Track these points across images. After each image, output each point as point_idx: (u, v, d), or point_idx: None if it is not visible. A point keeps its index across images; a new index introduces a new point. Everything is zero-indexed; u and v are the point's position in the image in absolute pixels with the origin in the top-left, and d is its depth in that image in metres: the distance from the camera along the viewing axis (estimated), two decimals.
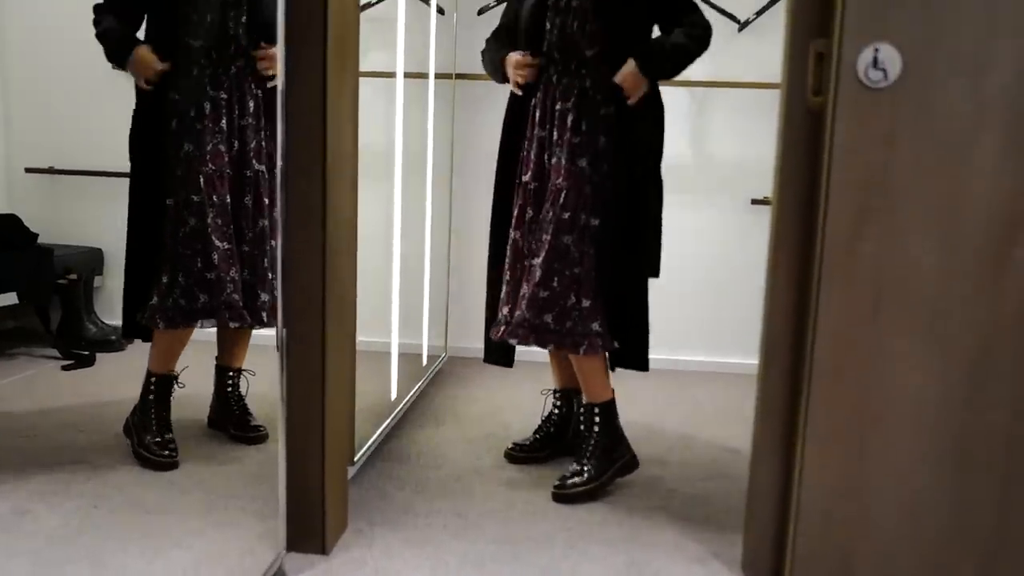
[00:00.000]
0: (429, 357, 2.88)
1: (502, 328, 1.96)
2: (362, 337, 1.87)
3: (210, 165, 1.91)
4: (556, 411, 2.16)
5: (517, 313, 1.92)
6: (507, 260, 2.02)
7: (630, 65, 1.86)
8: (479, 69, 3.07)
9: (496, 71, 2.10)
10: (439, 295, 3.06)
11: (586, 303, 1.88)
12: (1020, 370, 1.31)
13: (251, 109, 1.96)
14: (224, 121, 1.94)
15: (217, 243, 1.91)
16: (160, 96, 1.91)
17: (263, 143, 1.99)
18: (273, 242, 1.95)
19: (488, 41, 2.19)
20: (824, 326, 1.33)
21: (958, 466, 1.33)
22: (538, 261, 1.90)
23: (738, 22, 2.90)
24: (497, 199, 2.12)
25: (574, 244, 1.89)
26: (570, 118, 1.91)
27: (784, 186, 1.37)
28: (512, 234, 2.02)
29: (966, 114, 1.27)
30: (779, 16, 2.89)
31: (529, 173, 1.99)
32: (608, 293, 1.91)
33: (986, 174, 1.28)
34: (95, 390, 2.30)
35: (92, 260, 2.66)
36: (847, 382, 1.33)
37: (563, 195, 1.90)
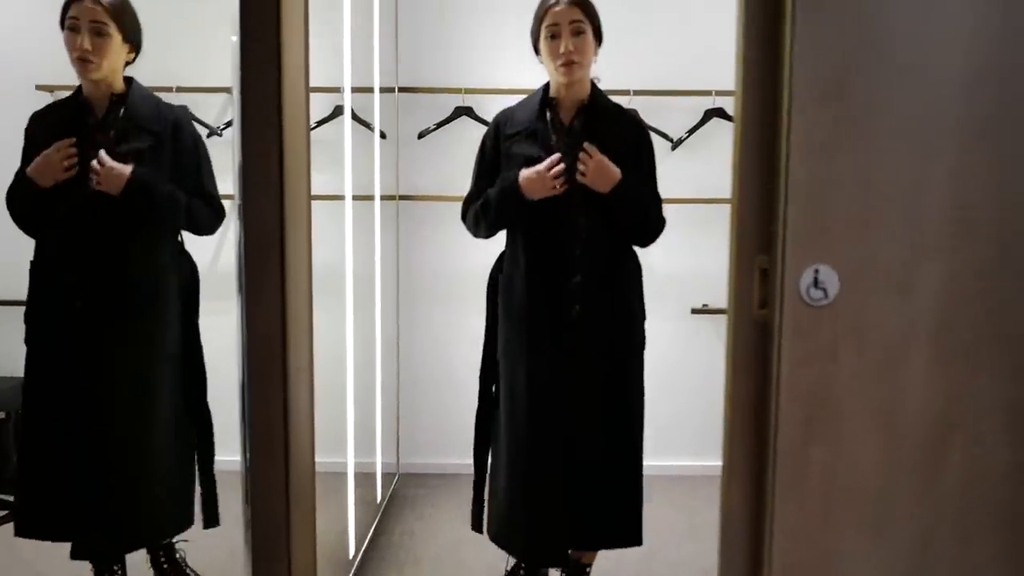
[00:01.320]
0: (384, 476, 2.86)
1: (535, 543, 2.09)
2: (317, 458, 1.86)
3: None
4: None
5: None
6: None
7: (614, 169, 1.97)
8: (422, 190, 3.11)
9: (503, 203, 2.08)
10: (389, 411, 3.06)
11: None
12: (959, 559, 1.40)
13: None
14: None
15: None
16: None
17: None
18: None
19: (468, 207, 2.21)
20: (780, 528, 1.39)
21: None
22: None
23: (671, 140, 3.02)
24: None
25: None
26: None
27: (735, 395, 1.43)
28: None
29: (899, 327, 1.35)
30: (708, 136, 3.04)
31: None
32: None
33: (920, 382, 1.36)
34: (28, 550, 2.19)
35: (17, 392, 2.54)
36: None
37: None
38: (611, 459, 2.09)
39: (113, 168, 1.94)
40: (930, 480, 1.38)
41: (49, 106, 2.08)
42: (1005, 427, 1.37)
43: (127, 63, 2.05)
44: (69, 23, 1.95)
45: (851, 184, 1.32)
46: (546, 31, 2.03)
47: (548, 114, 2.10)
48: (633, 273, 2.13)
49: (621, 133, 2.08)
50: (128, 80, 2.06)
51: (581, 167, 1.98)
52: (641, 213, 2.05)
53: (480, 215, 2.14)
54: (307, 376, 1.64)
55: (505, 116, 2.17)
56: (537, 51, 2.11)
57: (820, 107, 1.31)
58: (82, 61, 1.95)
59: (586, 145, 1.98)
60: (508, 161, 2.09)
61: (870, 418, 1.37)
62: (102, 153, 1.95)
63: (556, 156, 2.00)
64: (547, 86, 2.14)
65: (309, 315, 1.65)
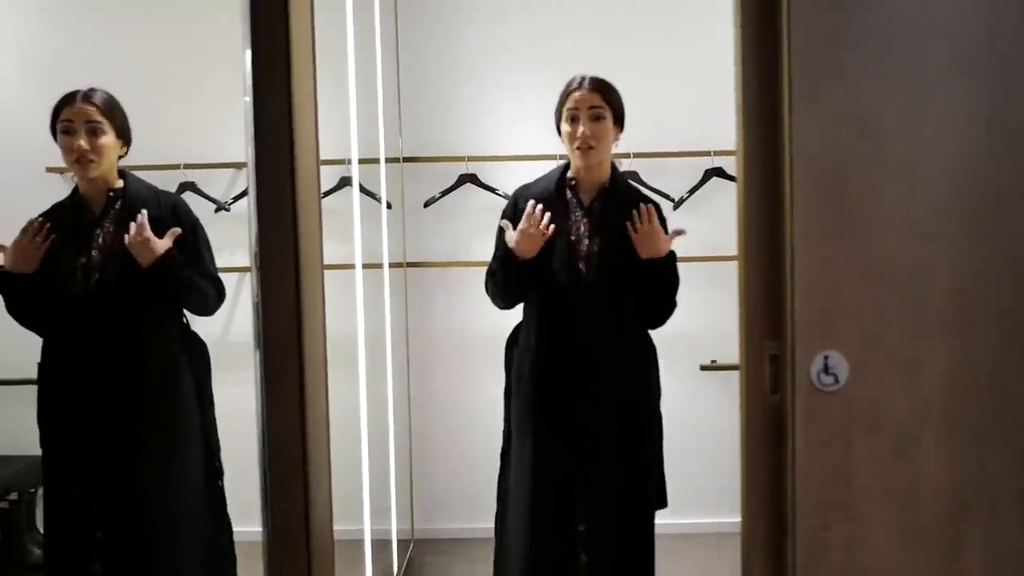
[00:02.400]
0: (399, 543, 2.86)
1: None
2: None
3: None
4: None
5: None
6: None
7: (665, 240, 2.05)
8: (429, 257, 3.16)
9: (504, 269, 2.12)
10: (403, 477, 3.06)
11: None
12: None
13: None
14: None
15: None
16: None
17: None
18: None
19: (490, 281, 2.23)
20: None
21: None
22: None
23: (673, 200, 3.07)
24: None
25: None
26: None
27: (751, 479, 1.45)
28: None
29: (909, 408, 1.37)
30: (708, 194, 3.09)
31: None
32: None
33: (933, 461, 1.38)
34: None
35: (31, 472, 2.54)
36: None
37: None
38: (622, 532, 2.10)
39: (149, 239, 1.97)
40: (949, 559, 1.39)
41: (47, 211, 2.09)
42: (1020, 504, 1.39)
43: (120, 157, 2.08)
44: (63, 126, 1.98)
45: (855, 271, 1.35)
46: (566, 114, 2.08)
47: (568, 192, 2.14)
48: (648, 352, 2.17)
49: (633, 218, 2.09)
50: (123, 174, 2.09)
51: (636, 226, 2.03)
52: (668, 291, 2.11)
53: (492, 285, 2.18)
54: (325, 458, 1.66)
55: (522, 192, 2.20)
56: (559, 131, 2.15)
57: (821, 197, 1.34)
58: (81, 162, 1.98)
59: (643, 207, 2.04)
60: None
61: (886, 498, 1.38)
62: (140, 217, 1.98)
63: (539, 208, 2.03)
64: (567, 165, 2.17)
65: (326, 394, 1.67)
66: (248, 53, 1.46)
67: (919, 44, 1.33)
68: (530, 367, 2.11)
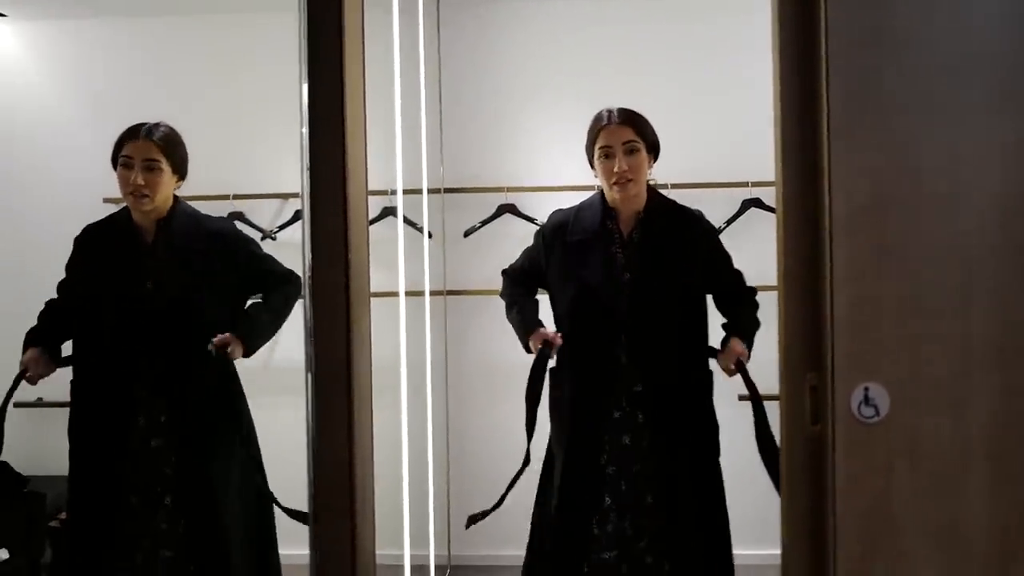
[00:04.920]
0: (436, 568, 2.87)
1: None
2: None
3: None
4: None
5: None
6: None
7: (736, 343, 2.11)
8: (468, 285, 3.21)
9: (518, 333, 2.22)
10: (440, 503, 3.08)
11: None
12: None
13: None
14: None
15: None
16: None
17: None
18: None
19: (507, 284, 2.32)
20: None
21: None
22: None
23: None
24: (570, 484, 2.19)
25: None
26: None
27: (791, 512, 1.45)
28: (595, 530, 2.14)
29: (953, 443, 1.37)
30: (746, 224, 3.10)
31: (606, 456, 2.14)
32: None
33: (980, 499, 1.37)
34: None
35: None
36: None
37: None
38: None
39: (231, 352, 2.07)
40: None
41: (100, 223, 2.18)
42: None
43: (175, 189, 2.16)
44: (123, 160, 2.06)
45: (896, 304, 1.36)
46: (600, 151, 2.10)
47: (608, 223, 2.15)
48: (702, 382, 2.21)
49: (683, 240, 2.14)
50: (174, 200, 2.16)
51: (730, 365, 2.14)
52: (755, 330, 2.19)
53: (508, 318, 2.28)
54: (370, 483, 1.69)
55: (564, 219, 2.20)
56: (592, 165, 2.17)
57: (860, 232, 1.36)
58: (136, 197, 2.06)
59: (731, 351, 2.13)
60: (568, 271, 2.16)
61: (930, 535, 1.37)
62: (221, 339, 2.06)
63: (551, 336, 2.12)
64: (603, 194, 2.19)
65: (371, 421, 1.71)
66: (305, 87, 1.53)
67: (958, 80, 1.35)
68: (566, 403, 2.14)
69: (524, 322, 2.20)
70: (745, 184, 3.08)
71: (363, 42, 1.62)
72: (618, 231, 2.15)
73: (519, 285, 2.28)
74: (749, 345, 2.15)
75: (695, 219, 2.20)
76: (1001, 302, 1.35)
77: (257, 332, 2.15)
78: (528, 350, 2.20)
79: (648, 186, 2.17)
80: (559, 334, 2.12)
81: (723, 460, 3.17)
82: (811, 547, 1.45)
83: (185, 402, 2.09)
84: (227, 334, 2.07)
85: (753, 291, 2.23)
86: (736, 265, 3.01)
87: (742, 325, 2.16)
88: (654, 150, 2.15)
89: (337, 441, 1.56)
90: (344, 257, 1.56)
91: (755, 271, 3.08)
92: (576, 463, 2.12)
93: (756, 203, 3.06)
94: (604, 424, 2.11)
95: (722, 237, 3.10)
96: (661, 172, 3.05)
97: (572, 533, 2.12)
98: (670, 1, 3.22)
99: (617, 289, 2.10)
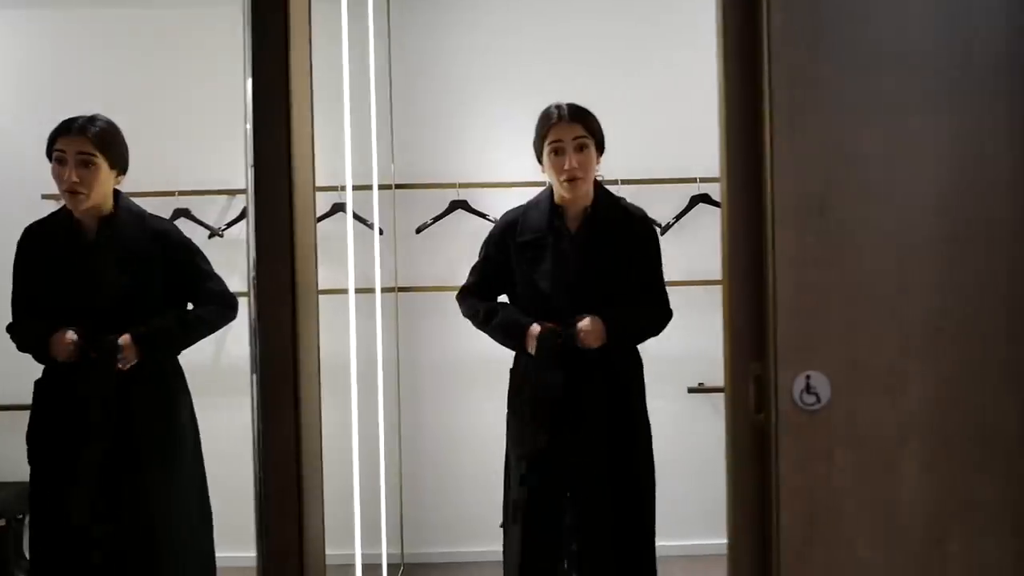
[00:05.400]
0: (389, 567, 2.86)
1: None
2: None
3: None
4: None
5: None
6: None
7: (598, 323, 2.04)
8: (419, 282, 3.20)
9: (510, 338, 2.17)
10: (393, 501, 3.06)
11: None
12: None
13: None
14: None
15: None
16: None
17: None
18: None
19: (471, 300, 2.28)
20: None
21: None
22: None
23: (659, 226, 3.12)
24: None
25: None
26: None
27: (736, 497, 1.48)
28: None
29: (891, 427, 1.41)
30: (694, 220, 3.15)
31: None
32: None
33: (915, 479, 1.42)
34: None
35: (19, 498, 2.53)
36: None
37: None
38: (622, 548, 2.12)
39: (119, 355, 1.99)
40: (935, 574, 1.42)
41: (41, 222, 2.12)
42: (1000, 520, 1.42)
43: (115, 185, 2.09)
44: (56, 155, 2.00)
45: (837, 294, 1.40)
46: (550, 146, 2.11)
47: (556, 222, 2.16)
48: (636, 366, 2.23)
49: (625, 235, 2.16)
50: (116, 196, 2.10)
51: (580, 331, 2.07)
52: (638, 336, 2.18)
53: (485, 329, 2.24)
54: (319, 482, 1.67)
55: (514, 220, 2.22)
56: (540, 161, 2.18)
57: (802, 223, 1.39)
58: (71, 194, 2.00)
59: (578, 325, 2.07)
60: (522, 271, 2.16)
61: (870, 516, 1.42)
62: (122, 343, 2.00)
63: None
64: (551, 190, 2.20)
65: (320, 419, 1.70)
66: (249, 82, 1.51)
67: (894, 78, 1.39)
68: (523, 393, 2.15)
69: (513, 323, 2.17)
70: (693, 180, 3.13)
71: (310, 37, 1.60)
72: (566, 228, 2.17)
73: (484, 298, 2.27)
74: (614, 336, 2.10)
75: (639, 218, 2.24)
76: (935, 290, 1.40)
77: (160, 341, 2.08)
78: (522, 349, 2.17)
79: (595, 182, 2.19)
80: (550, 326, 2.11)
81: (675, 451, 3.22)
82: (756, 533, 1.48)
83: (131, 411, 2.04)
84: (125, 335, 2.01)
85: (667, 313, 2.22)
86: (684, 262, 3.09)
87: (626, 314, 2.13)
88: (601, 146, 2.18)
89: (284, 440, 1.54)
90: (290, 254, 1.54)
91: (702, 267, 3.15)
92: (537, 450, 2.14)
93: (704, 199, 3.12)
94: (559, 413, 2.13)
95: (671, 233, 3.17)
96: (611, 169, 3.10)
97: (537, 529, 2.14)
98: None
99: (566, 285, 2.12)
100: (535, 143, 2.18)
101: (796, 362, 1.41)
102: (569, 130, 2.09)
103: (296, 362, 1.55)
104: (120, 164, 2.09)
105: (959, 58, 1.39)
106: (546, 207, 2.18)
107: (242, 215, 3.01)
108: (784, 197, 1.39)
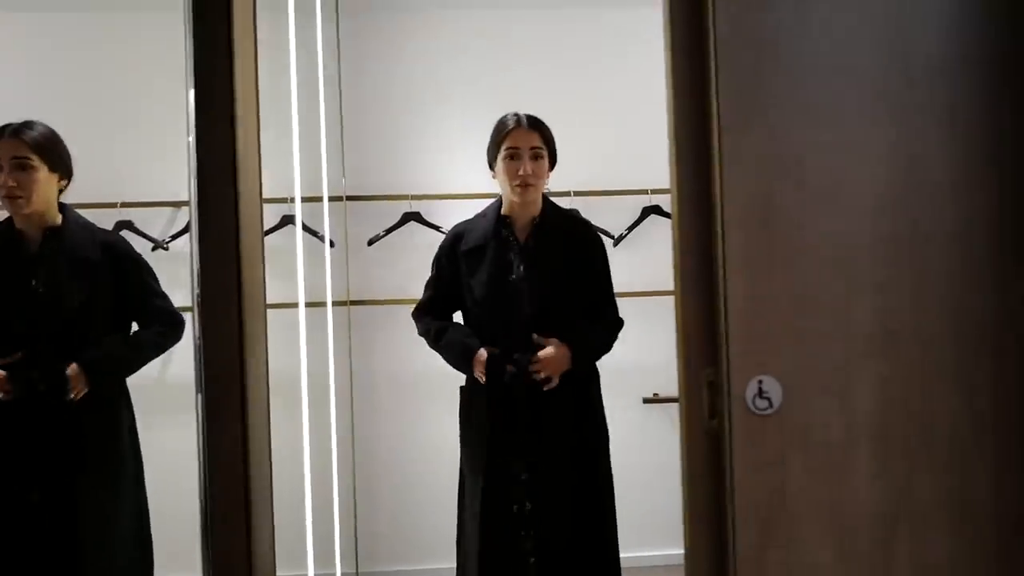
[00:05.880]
0: None
1: None
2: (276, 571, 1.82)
3: None
4: None
5: None
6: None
7: (562, 349, 2.05)
8: (372, 295, 3.16)
9: (462, 362, 2.16)
10: (347, 517, 3.00)
11: None
12: None
13: None
14: None
15: None
16: None
17: None
18: None
19: (426, 319, 2.27)
20: None
21: None
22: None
23: (612, 237, 3.15)
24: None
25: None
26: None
27: (692, 503, 1.48)
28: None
29: (840, 430, 1.43)
30: (646, 231, 3.18)
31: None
32: None
33: (864, 480, 1.44)
34: None
35: None
36: None
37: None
38: (584, 565, 2.12)
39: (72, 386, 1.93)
40: (881, 573, 1.44)
41: None
42: (947, 517, 1.45)
43: (60, 191, 2.04)
44: None
45: (785, 299, 1.42)
46: (505, 152, 2.12)
47: (503, 232, 2.17)
48: (592, 383, 2.22)
49: (573, 245, 2.17)
50: (63, 209, 2.04)
51: (537, 361, 2.08)
52: (598, 355, 2.19)
53: (437, 349, 2.23)
54: (268, 499, 1.63)
55: (461, 231, 2.23)
56: (492, 167, 2.20)
57: (749, 230, 1.41)
58: (10, 199, 1.94)
59: (539, 353, 2.07)
60: (468, 281, 2.16)
61: (821, 518, 1.43)
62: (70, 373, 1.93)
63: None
64: (500, 202, 2.22)
65: (268, 433, 1.65)
66: (191, 93, 1.47)
67: (832, 87, 1.43)
68: (472, 420, 2.14)
69: (459, 345, 2.17)
70: (645, 191, 3.16)
71: (255, 45, 1.57)
72: (514, 237, 2.18)
73: (438, 315, 2.27)
74: (579, 359, 2.12)
75: (585, 227, 2.28)
76: (879, 292, 1.43)
77: (110, 367, 2.03)
78: (466, 371, 2.17)
79: (543, 195, 2.22)
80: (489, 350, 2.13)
81: (631, 462, 3.23)
82: (712, 539, 1.49)
83: (75, 441, 1.96)
84: (74, 365, 1.94)
85: (619, 322, 2.24)
86: (637, 273, 3.12)
87: (584, 336, 2.15)
88: (554, 159, 2.20)
89: (231, 457, 1.50)
90: (236, 267, 1.50)
91: (655, 278, 3.18)
92: (492, 462, 2.13)
93: (655, 210, 3.15)
94: (513, 426, 2.12)
95: (623, 245, 3.19)
96: (564, 180, 3.12)
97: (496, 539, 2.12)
98: (572, 11, 3.28)
99: (515, 295, 2.12)
100: (489, 149, 2.20)
101: (748, 367, 1.42)
102: (526, 138, 2.12)
103: (243, 377, 1.50)
104: (61, 168, 2.02)
105: (902, 68, 1.43)
106: (493, 217, 2.19)
107: (187, 227, 2.94)
108: (732, 204, 1.41)
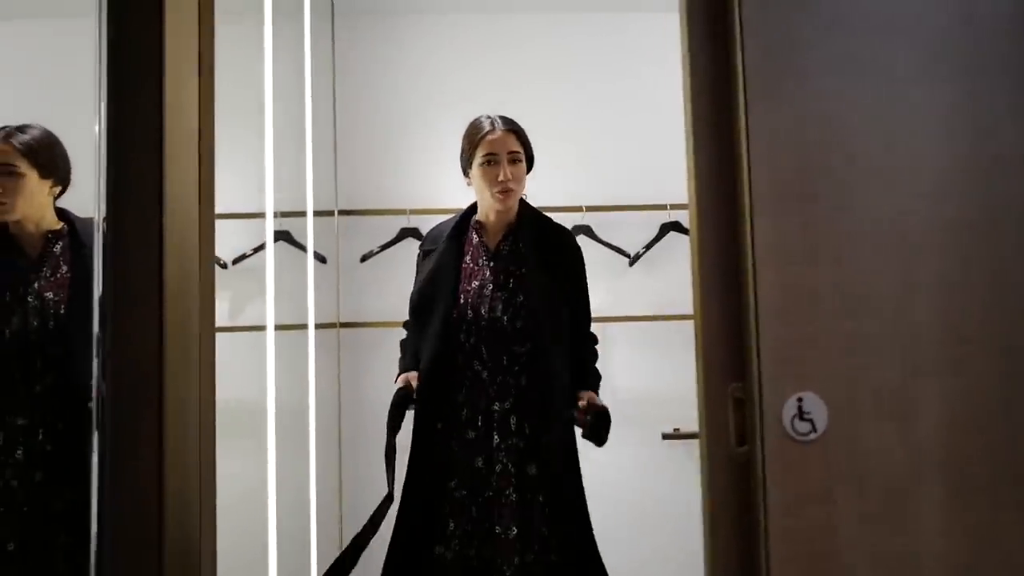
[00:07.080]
0: None
1: None
2: None
3: None
4: None
5: None
6: None
7: (591, 394, 1.99)
8: (365, 317, 2.94)
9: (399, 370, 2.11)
10: (330, 557, 2.72)
11: None
12: None
13: None
14: None
15: None
16: None
17: None
18: None
19: (406, 335, 2.23)
20: None
21: None
22: None
23: (628, 256, 2.89)
24: (410, 510, 1.99)
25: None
26: (512, 420, 1.92)
27: (716, 551, 1.20)
28: (438, 550, 1.93)
29: (902, 462, 1.15)
30: (666, 250, 2.92)
31: (457, 480, 1.95)
32: None
33: (934, 525, 1.15)
34: None
35: None
36: None
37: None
38: None
39: None
40: None
41: None
42: None
43: (56, 197, 1.89)
44: None
45: (830, 296, 1.15)
46: (482, 158, 2.03)
47: (473, 235, 2.08)
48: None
49: (549, 251, 2.05)
50: (65, 215, 1.89)
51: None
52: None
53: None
54: (210, 560, 1.36)
55: (436, 236, 2.16)
56: (466, 174, 2.11)
57: (785, 210, 1.15)
58: None
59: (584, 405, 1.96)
60: (436, 287, 2.05)
61: (880, 572, 1.14)
62: None
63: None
64: (474, 207, 2.13)
65: (213, 475, 1.39)
66: (103, 105, 1.25)
67: (884, 44, 1.18)
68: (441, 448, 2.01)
69: (403, 362, 2.14)
70: (663, 207, 2.91)
71: (200, 51, 1.35)
72: (484, 244, 2.08)
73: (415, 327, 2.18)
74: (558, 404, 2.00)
75: (563, 232, 2.14)
76: (948, 292, 1.16)
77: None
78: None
79: (520, 200, 2.11)
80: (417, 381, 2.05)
81: (646, 505, 2.93)
82: None
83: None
84: None
85: (594, 338, 2.12)
86: (655, 294, 2.86)
87: (591, 381, 2.06)
88: (531, 163, 2.10)
89: (145, 515, 1.21)
90: (157, 294, 1.26)
91: (675, 300, 2.91)
92: (421, 486, 1.97)
93: (675, 227, 2.90)
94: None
95: (640, 264, 2.94)
96: (576, 195, 2.88)
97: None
98: (584, 19, 3.08)
99: (484, 300, 2.00)
100: (463, 154, 2.09)
101: (785, 382, 1.15)
102: (505, 142, 2.02)
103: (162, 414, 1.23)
104: (55, 173, 1.89)
105: (962, 17, 1.18)
106: (466, 224, 2.11)
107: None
108: (762, 181, 1.16)
